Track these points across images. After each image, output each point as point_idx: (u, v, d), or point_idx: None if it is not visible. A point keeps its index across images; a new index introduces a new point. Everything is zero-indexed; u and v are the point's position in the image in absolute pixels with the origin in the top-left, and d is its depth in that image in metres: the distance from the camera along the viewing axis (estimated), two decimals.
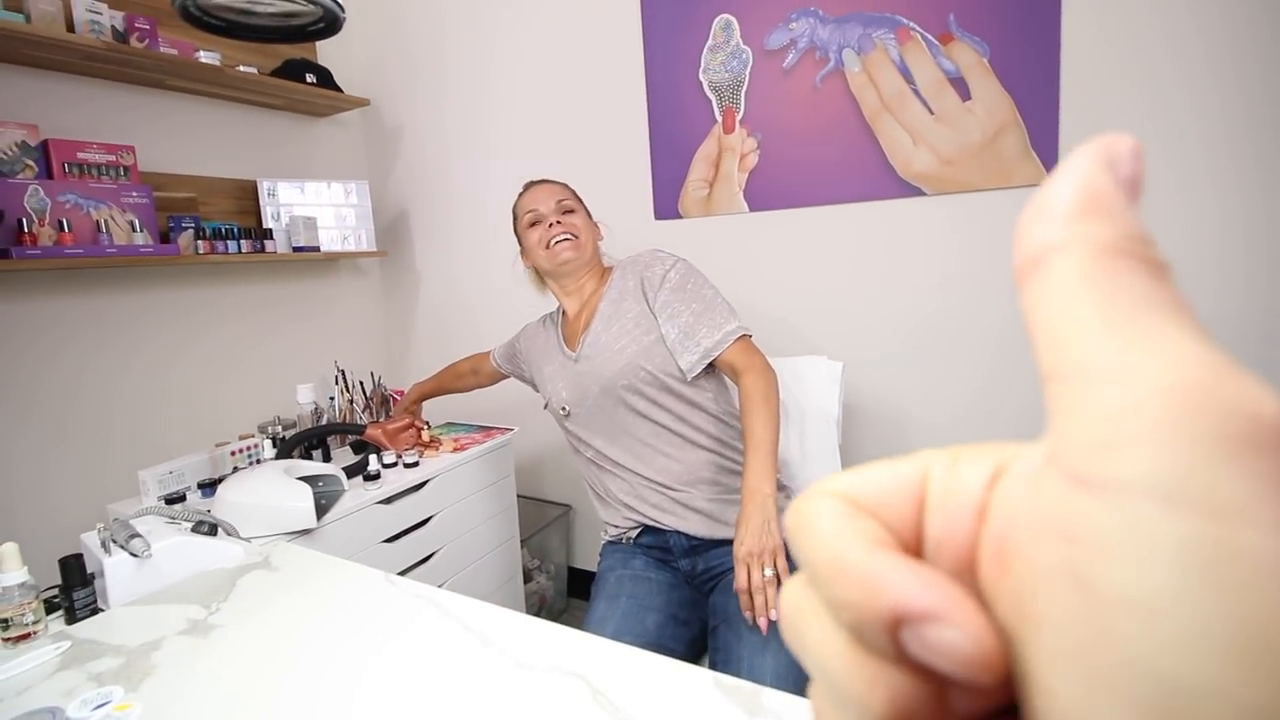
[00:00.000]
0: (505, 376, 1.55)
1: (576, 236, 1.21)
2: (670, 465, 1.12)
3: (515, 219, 1.28)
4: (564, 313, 1.32)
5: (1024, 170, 1.36)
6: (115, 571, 0.86)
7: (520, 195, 1.30)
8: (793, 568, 0.95)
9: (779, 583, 0.91)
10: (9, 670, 0.71)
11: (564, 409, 1.23)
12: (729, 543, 1.09)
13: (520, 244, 1.29)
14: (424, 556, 1.54)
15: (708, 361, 1.10)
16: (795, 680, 0.90)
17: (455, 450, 1.66)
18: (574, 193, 1.28)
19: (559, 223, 1.20)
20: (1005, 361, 1.45)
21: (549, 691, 0.64)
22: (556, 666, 0.67)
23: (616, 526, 1.20)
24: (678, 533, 1.11)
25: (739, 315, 1.14)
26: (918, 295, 1.52)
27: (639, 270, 1.20)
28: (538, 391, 1.39)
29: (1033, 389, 1.43)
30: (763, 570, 0.91)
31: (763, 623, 0.90)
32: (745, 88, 1.62)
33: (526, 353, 1.40)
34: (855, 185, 1.54)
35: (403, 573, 1.48)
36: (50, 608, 0.84)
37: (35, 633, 0.78)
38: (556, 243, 1.21)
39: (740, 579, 0.92)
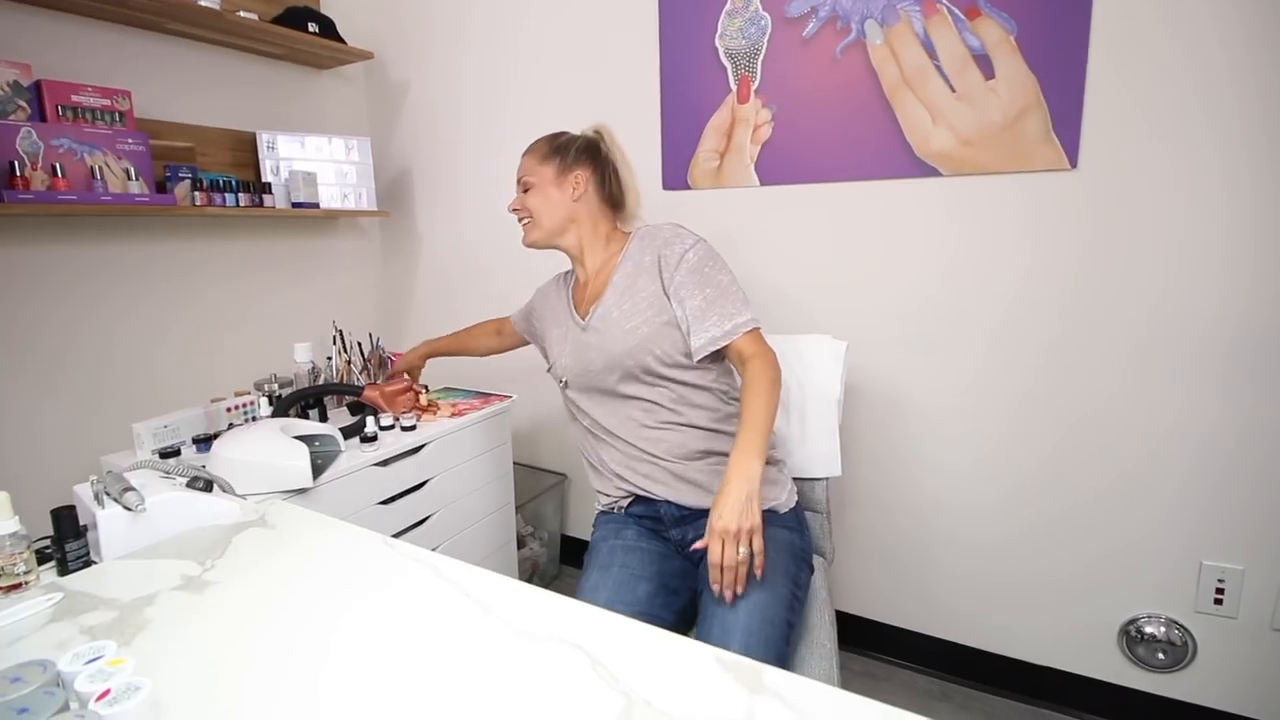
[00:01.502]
0: (526, 342, 1.52)
1: (530, 218, 1.22)
2: (665, 437, 1.12)
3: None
4: (576, 274, 1.30)
5: (1044, 154, 1.33)
6: (108, 524, 0.84)
7: None
8: (767, 548, 0.95)
9: (751, 561, 0.91)
10: (0, 620, 0.70)
11: (563, 379, 1.22)
12: None
13: None
14: (419, 519, 1.54)
15: (714, 349, 1.08)
16: (762, 639, 0.89)
17: (453, 415, 1.65)
18: (545, 155, 1.23)
19: (514, 209, 1.25)
20: (1010, 347, 1.44)
21: (548, 661, 0.63)
22: (555, 636, 0.67)
23: (609, 496, 1.20)
24: (669, 502, 1.12)
25: (751, 306, 1.11)
26: (926, 278, 1.50)
27: (657, 246, 1.16)
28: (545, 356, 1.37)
29: (1035, 376, 1.42)
30: (737, 548, 0.90)
31: (728, 595, 0.92)
32: (762, 56, 1.58)
33: (539, 310, 1.38)
34: (870, 162, 1.50)
35: (397, 535, 1.47)
36: (42, 559, 0.83)
37: (27, 583, 0.77)
38: (521, 223, 1.25)
39: (714, 552, 0.91)
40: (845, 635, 1.32)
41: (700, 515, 1.11)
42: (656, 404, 1.12)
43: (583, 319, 1.21)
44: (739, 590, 0.91)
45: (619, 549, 1.11)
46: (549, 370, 1.30)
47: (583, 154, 1.24)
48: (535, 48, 1.93)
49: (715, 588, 0.92)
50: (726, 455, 1.09)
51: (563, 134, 1.27)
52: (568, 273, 1.36)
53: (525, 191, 1.23)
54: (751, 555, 0.91)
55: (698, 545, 0.95)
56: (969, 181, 1.42)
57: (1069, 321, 1.38)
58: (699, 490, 1.11)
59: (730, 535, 0.91)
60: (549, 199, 1.22)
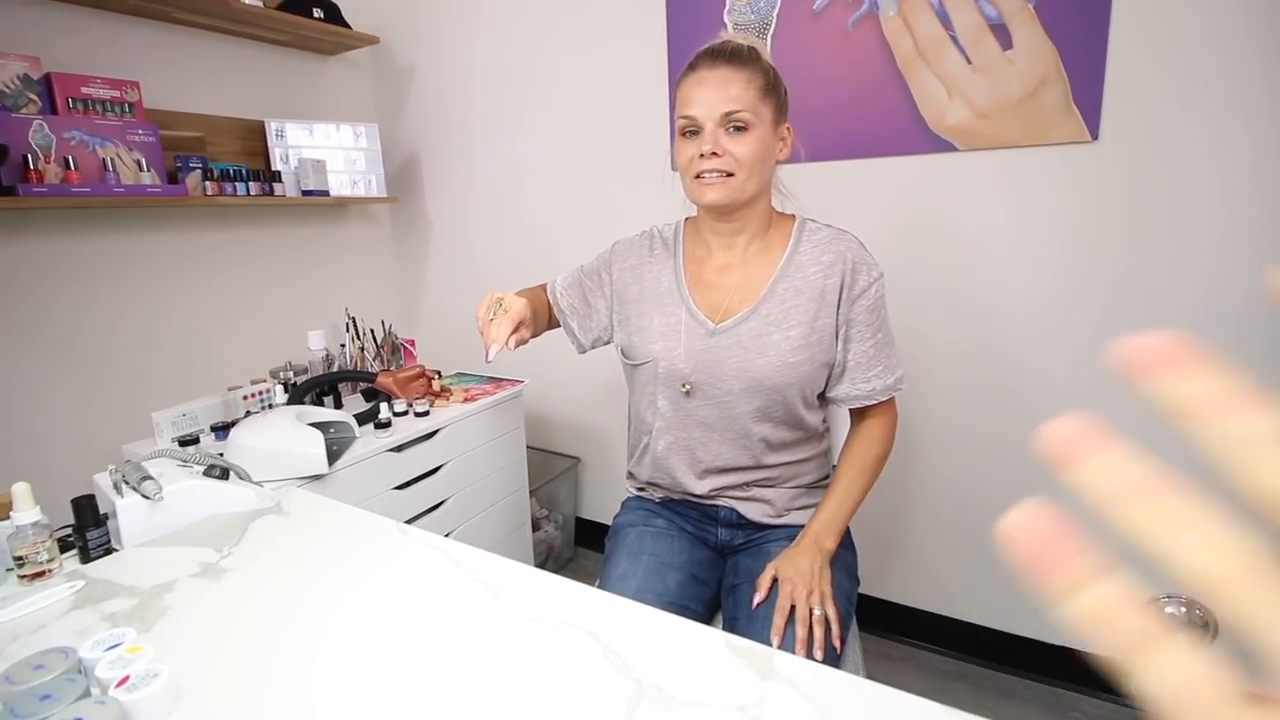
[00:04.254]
0: (555, 324, 1.15)
1: (733, 174, 0.90)
2: (760, 474, 1.02)
3: (672, 105, 0.95)
4: (687, 239, 1.05)
5: (1064, 126, 1.29)
6: (128, 513, 0.86)
7: (684, 73, 0.94)
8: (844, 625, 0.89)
9: (829, 630, 0.86)
10: (25, 607, 0.72)
11: (686, 386, 0.98)
12: (776, 526, 1.04)
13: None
14: (434, 504, 1.56)
15: (867, 404, 0.97)
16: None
17: (466, 401, 1.66)
18: (764, 84, 0.90)
19: (715, 154, 0.89)
20: (1030, 326, 1.41)
21: (559, 646, 0.63)
22: (566, 621, 0.67)
23: (654, 485, 1.10)
24: (732, 509, 1.04)
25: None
26: (941, 255, 1.47)
27: (843, 267, 0.94)
28: (578, 338, 1.12)
29: (1051, 354, 1.40)
30: (810, 608, 0.87)
31: (800, 651, 0.83)
32: (772, 30, 1.54)
33: (621, 284, 1.07)
34: (883, 139, 1.47)
35: (411, 520, 1.49)
36: (64, 547, 0.85)
37: (50, 571, 0.79)
38: (705, 177, 0.91)
39: (784, 597, 0.87)
40: (861, 617, 1.32)
41: (756, 528, 1.04)
42: (772, 447, 1.00)
43: (711, 318, 0.98)
44: (818, 655, 0.84)
45: (649, 535, 1.04)
46: (581, 350, 1.12)
47: (787, 95, 0.95)
48: (541, 26, 1.91)
49: (775, 639, 0.84)
50: (805, 479, 1.05)
51: (745, 47, 0.92)
52: (665, 236, 1.07)
53: (736, 130, 0.89)
54: (828, 624, 0.86)
55: (760, 593, 0.90)
56: (986, 156, 1.38)
57: (1092, 298, 1.35)
58: (767, 507, 1.03)
59: (800, 589, 0.88)
60: (767, 152, 0.92)
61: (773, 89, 0.92)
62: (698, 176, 0.92)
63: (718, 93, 0.89)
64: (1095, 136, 1.27)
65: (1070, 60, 1.26)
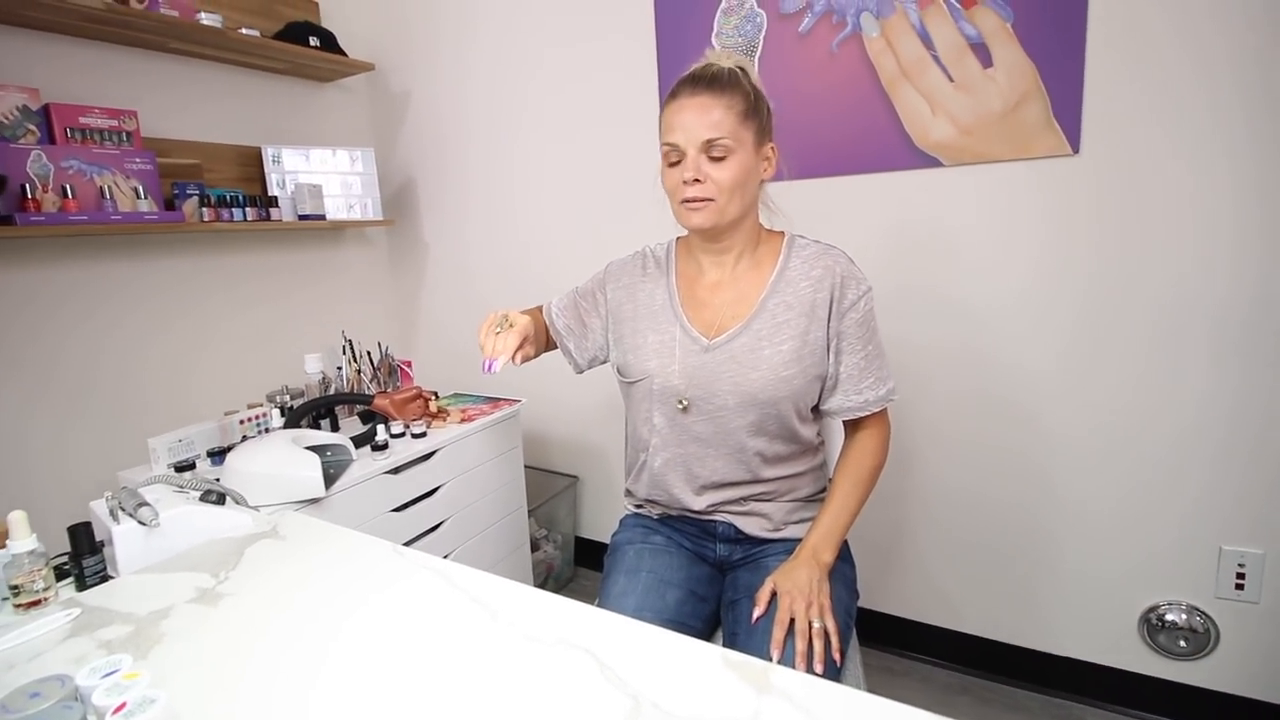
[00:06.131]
0: (552, 345, 1.17)
1: (713, 200, 0.92)
2: (757, 488, 1.03)
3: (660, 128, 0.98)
4: (679, 258, 1.07)
5: (1045, 141, 1.32)
6: (124, 540, 0.86)
7: (667, 100, 0.96)
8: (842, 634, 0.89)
9: (828, 643, 0.86)
10: (21, 636, 0.72)
11: (682, 402, 0.99)
12: (774, 541, 1.04)
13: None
14: (432, 526, 1.55)
15: (862, 415, 0.99)
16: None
17: (463, 421, 1.66)
18: (745, 108, 0.92)
19: (698, 180, 0.91)
20: (1019, 338, 1.42)
21: (556, 664, 0.64)
22: (564, 640, 0.67)
23: (652, 502, 1.10)
24: (730, 524, 1.04)
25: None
26: (930, 270, 1.49)
27: (832, 281, 0.96)
28: (575, 359, 1.14)
29: (1041, 365, 1.41)
30: (809, 621, 0.86)
31: (800, 665, 0.83)
32: (759, 53, 1.57)
33: (617, 304, 1.08)
34: (870, 155, 1.50)
35: (410, 542, 1.49)
36: (60, 575, 0.85)
37: (46, 599, 0.78)
38: (689, 202, 0.94)
39: (784, 609, 0.87)
40: (862, 631, 1.32)
41: (754, 542, 1.04)
42: (767, 460, 1.01)
43: (705, 334, 0.99)
44: (818, 668, 0.83)
45: (647, 553, 1.04)
46: (578, 370, 1.14)
47: (770, 115, 0.97)
48: (533, 52, 1.94)
49: (775, 653, 0.84)
50: (803, 492, 1.06)
51: (725, 70, 0.94)
52: (659, 256, 1.10)
53: (716, 159, 0.91)
54: (828, 638, 0.86)
55: (759, 607, 0.90)
56: (970, 171, 1.41)
57: (1078, 309, 1.36)
58: (764, 521, 1.04)
59: (801, 601, 0.88)
60: (749, 175, 0.94)
61: (754, 111, 0.93)
62: (683, 202, 0.95)
63: (698, 119, 0.91)
64: (1076, 150, 1.30)
65: (1049, 77, 1.29)
